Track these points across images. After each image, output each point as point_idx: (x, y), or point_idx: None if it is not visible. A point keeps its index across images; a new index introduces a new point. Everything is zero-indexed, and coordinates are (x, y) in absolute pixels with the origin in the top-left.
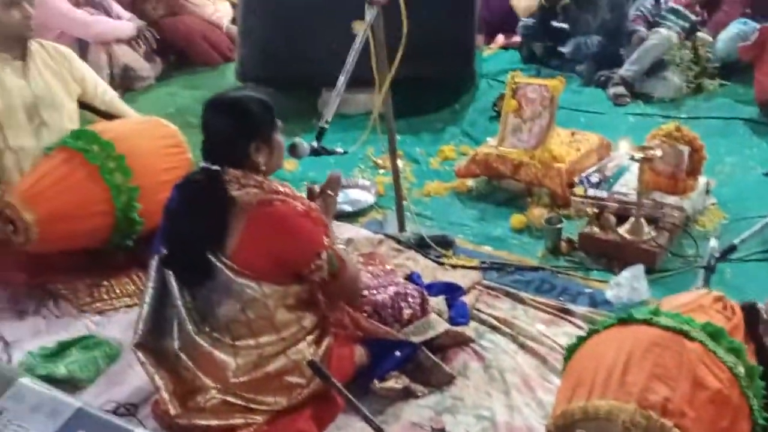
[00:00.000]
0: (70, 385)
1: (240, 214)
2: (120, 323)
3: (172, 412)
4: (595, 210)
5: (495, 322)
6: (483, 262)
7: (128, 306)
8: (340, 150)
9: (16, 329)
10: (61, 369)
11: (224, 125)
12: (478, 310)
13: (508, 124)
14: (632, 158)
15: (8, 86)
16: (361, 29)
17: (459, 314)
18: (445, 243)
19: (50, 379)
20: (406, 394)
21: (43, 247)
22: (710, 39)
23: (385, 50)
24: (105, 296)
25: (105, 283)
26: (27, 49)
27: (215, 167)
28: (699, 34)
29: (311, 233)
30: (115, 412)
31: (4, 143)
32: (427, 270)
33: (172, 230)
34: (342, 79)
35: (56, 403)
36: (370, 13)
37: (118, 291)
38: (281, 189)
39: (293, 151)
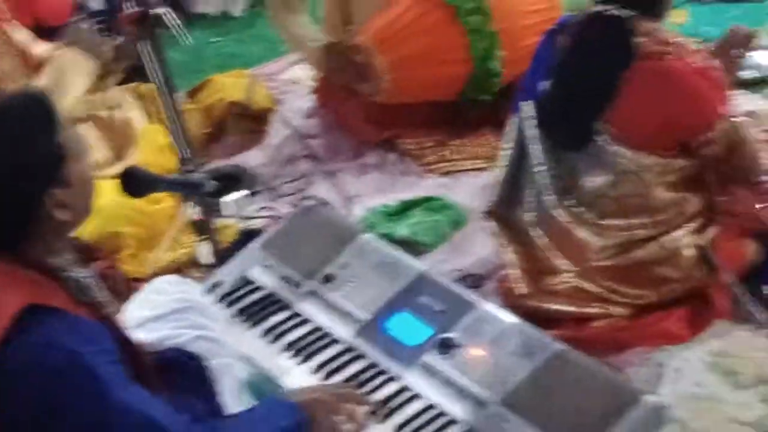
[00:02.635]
0: (410, 247)
1: (631, 66)
2: (468, 186)
3: (520, 291)
4: None
5: None
6: None
7: (479, 169)
8: None
9: (357, 184)
10: (402, 229)
11: None
12: None
13: None
14: None
15: None
16: None
17: None
18: None
19: (391, 239)
20: None
21: (392, 97)
22: None
23: None
24: (454, 156)
25: (455, 141)
26: None
27: (622, 13)
28: None
29: (707, 97)
30: (459, 280)
31: None
32: None
33: (556, 81)
34: None
35: (399, 265)
36: None
37: (468, 151)
38: (673, 40)
39: None
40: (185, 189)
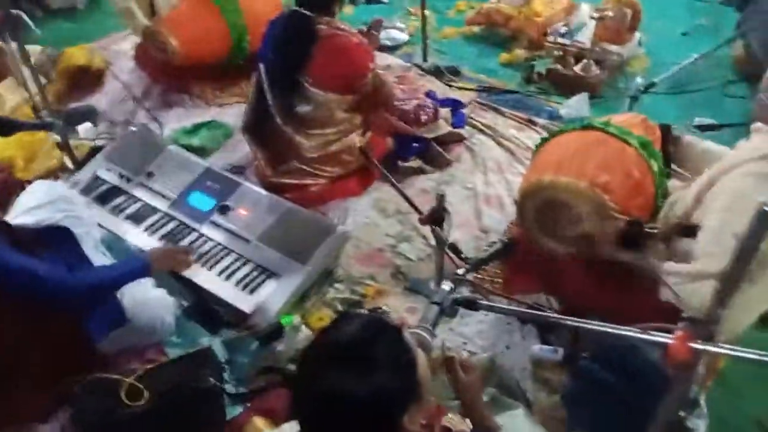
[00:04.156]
0: (201, 151)
1: (315, 43)
2: (231, 113)
3: (267, 173)
4: (560, 53)
5: (482, 127)
6: (479, 86)
7: (239, 102)
8: (385, 0)
9: (166, 115)
10: (195, 141)
11: None
12: (472, 118)
13: None
14: (591, 17)
15: None
16: None
17: (459, 121)
18: (454, 71)
19: (188, 148)
20: (419, 171)
21: (183, 61)
22: None
23: None
24: (224, 96)
25: (225, 87)
26: None
27: (308, 12)
28: None
29: (363, 59)
30: (230, 170)
31: None
32: (440, 89)
33: (274, 52)
34: None
35: (192, 163)
36: None
37: (232, 92)
38: (342, 26)
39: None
40: (39, 127)
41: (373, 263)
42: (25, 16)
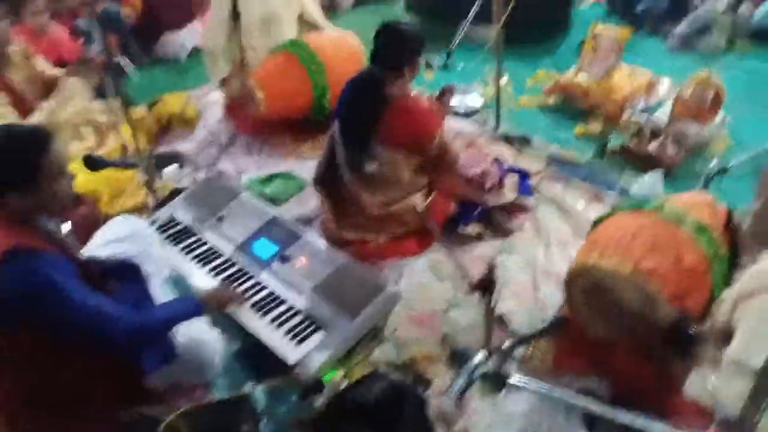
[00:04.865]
0: (272, 201)
1: (387, 105)
2: (307, 167)
3: (331, 226)
4: (636, 129)
5: (549, 198)
6: (549, 157)
7: (313, 158)
8: (459, 67)
9: (244, 163)
10: (267, 190)
11: (392, 43)
12: (539, 189)
13: (585, 60)
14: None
15: (249, 6)
16: None
17: (525, 190)
18: (524, 140)
19: (261, 196)
20: (479, 237)
21: (268, 115)
22: (748, 11)
23: None
24: (301, 149)
25: (304, 142)
26: None
27: (379, 72)
28: (743, 5)
29: (431, 124)
30: (298, 221)
31: (247, 44)
32: (509, 157)
33: (345, 111)
34: (467, 20)
35: (261, 211)
36: None
37: (310, 146)
38: (413, 91)
39: (427, 65)
40: (125, 166)
41: (422, 326)
42: (125, 62)
